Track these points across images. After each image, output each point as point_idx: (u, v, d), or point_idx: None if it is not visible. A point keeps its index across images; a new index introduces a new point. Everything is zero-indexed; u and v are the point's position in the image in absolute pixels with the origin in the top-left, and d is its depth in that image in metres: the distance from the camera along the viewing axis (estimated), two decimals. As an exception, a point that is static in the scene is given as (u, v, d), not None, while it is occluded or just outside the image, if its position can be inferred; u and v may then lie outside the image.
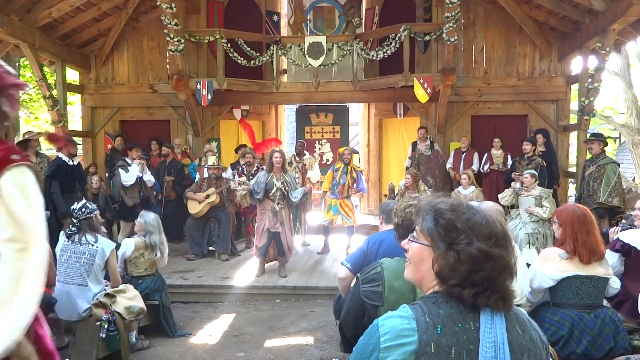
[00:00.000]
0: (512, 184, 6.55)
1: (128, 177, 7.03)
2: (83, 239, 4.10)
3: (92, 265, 4.06)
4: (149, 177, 7.26)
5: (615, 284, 2.98)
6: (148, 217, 4.67)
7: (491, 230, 1.18)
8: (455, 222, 1.19)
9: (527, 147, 7.36)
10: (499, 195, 6.62)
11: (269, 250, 6.32)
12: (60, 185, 6.07)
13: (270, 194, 6.07)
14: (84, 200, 4.46)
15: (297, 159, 8.06)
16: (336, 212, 7.12)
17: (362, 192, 7.76)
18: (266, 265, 6.43)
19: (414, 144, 8.37)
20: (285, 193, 6.11)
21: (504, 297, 1.15)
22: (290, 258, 6.45)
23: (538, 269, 2.97)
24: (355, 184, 7.21)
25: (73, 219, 4.20)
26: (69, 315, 4.07)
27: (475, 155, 8.19)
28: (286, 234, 6.20)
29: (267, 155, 6.59)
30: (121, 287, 4.24)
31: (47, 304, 3.71)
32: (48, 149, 10.98)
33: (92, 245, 4.09)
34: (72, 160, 6.34)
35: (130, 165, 7.20)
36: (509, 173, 7.54)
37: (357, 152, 7.30)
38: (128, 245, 4.61)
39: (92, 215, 4.21)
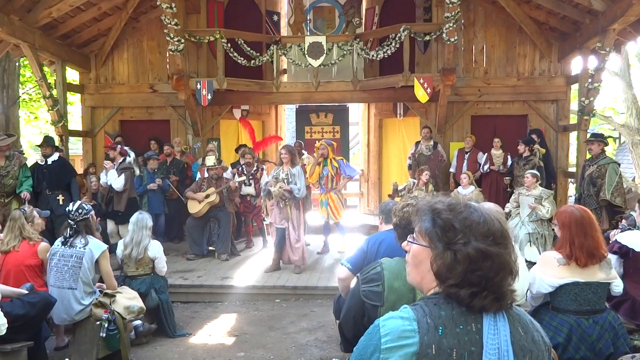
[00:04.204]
0: (512, 197, 6.66)
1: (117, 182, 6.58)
2: (73, 242, 3.98)
3: (80, 268, 3.93)
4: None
5: (617, 287, 2.92)
6: (133, 217, 4.71)
7: (489, 229, 1.16)
8: (453, 222, 1.17)
9: (520, 147, 7.42)
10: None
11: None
12: (35, 185, 6.54)
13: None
14: (79, 201, 4.30)
15: (296, 159, 8.06)
16: (327, 208, 7.18)
17: (351, 177, 7.62)
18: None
19: (418, 143, 8.37)
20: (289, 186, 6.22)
21: (502, 296, 1.13)
22: (295, 258, 6.34)
23: (537, 274, 2.93)
24: (339, 173, 7.20)
25: (69, 221, 4.06)
26: (62, 320, 4.03)
27: (480, 155, 8.20)
28: (290, 232, 6.25)
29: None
30: (118, 288, 4.23)
31: (47, 304, 3.71)
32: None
33: (80, 248, 3.96)
34: (45, 161, 6.58)
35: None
36: (508, 174, 7.62)
37: (332, 144, 7.32)
38: (119, 245, 4.75)
39: (88, 216, 4.12)
